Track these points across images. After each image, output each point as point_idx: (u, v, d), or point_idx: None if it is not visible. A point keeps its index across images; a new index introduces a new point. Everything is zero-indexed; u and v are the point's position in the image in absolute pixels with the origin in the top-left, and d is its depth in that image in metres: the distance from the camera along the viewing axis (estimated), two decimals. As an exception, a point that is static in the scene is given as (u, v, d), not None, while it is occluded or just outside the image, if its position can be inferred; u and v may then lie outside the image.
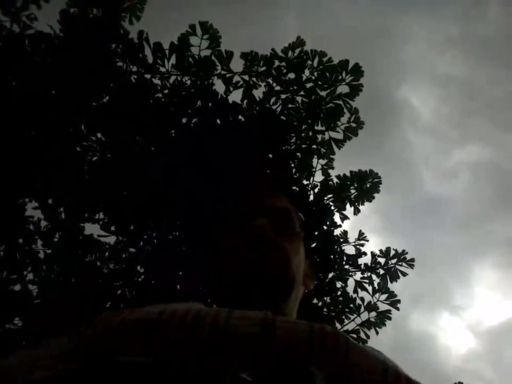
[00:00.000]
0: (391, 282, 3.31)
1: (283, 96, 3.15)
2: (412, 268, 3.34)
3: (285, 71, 3.10)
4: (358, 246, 3.38)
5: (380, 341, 3.20)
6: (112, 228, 3.08)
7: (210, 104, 3.00)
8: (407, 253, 3.34)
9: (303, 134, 3.20)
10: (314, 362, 0.47)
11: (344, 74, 3.07)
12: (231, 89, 3.09)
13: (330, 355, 0.48)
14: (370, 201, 3.37)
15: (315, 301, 3.20)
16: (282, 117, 3.14)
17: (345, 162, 3.67)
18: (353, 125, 3.19)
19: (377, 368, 0.49)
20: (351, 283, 3.32)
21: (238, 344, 0.48)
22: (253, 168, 2.87)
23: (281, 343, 0.48)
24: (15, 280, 2.99)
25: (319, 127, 3.22)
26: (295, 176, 3.22)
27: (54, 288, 2.92)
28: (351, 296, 3.27)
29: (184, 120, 2.99)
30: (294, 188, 3.17)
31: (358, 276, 3.34)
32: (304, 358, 0.48)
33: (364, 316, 3.22)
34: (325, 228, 3.27)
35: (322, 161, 3.29)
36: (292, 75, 3.12)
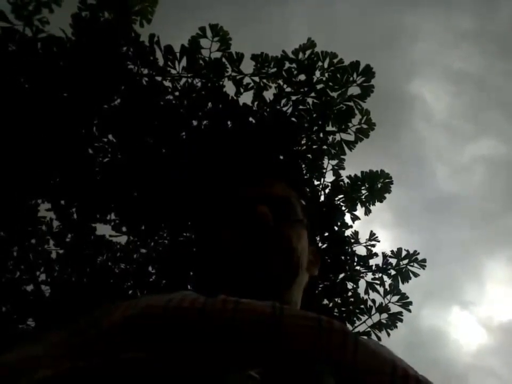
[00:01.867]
0: (403, 283, 3.30)
1: (294, 97, 3.14)
2: (424, 269, 3.32)
3: (295, 72, 3.09)
4: (369, 247, 3.37)
5: (390, 337, 3.19)
6: (124, 229, 3.11)
7: (220, 106, 3.01)
8: (418, 253, 3.32)
9: (313, 136, 3.20)
10: (322, 359, 0.47)
11: (355, 75, 3.05)
12: (242, 91, 3.10)
13: (337, 352, 0.48)
14: (381, 201, 3.35)
15: (326, 301, 3.20)
16: (293, 119, 3.13)
17: (357, 161, 3.66)
18: (365, 126, 3.18)
19: (386, 368, 0.48)
20: (362, 284, 3.31)
21: (244, 339, 0.48)
22: (264, 170, 2.87)
23: (288, 338, 0.48)
24: (27, 280, 3.01)
25: (330, 128, 3.21)
26: (306, 177, 3.22)
27: (66, 289, 2.95)
28: (362, 297, 3.26)
29: (194, 123, 3.00)
30: (305, 188, 3.17)
31: (369, 276, 3.33)
32: (312, 354, 0.47)
33: (375, 317, 3.21)
34: (336, 228, 3.26)
35: (333, 162, 3.29)
36: (302, 76, 3.11)
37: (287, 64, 3.07)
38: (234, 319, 0.49)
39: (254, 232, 0.72)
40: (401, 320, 3.18)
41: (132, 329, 0.49)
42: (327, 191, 3.28)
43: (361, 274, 3.32)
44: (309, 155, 3.20)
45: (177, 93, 3.01)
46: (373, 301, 3.24)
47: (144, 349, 0.46)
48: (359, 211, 3.34)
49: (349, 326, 3.16)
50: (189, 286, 3.00)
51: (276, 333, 0.48)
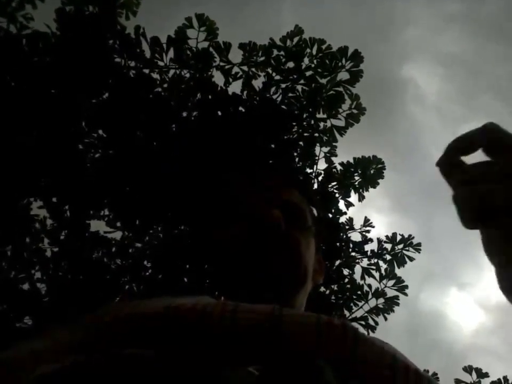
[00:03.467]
0: (398, 267, 3.32)
1: (283, 85, 3.13)
2: (419, 253, 3.33)
3: (284, 60, 3.08)
4: (364, 233, 3.38)
5: (390, 322, 3.21)
6: (118, 224, 3.09)
7: (210, 96, 2.99)
8: (413, 237, 3.33)
9: (304, 123, 3.19)
10: (322, 355, 0.47)
11: (344, 61, 3.04)
12: (231, 80, 3.08)
13: (337, 348, 0.48)
14: (374, 187, 3.36)
15: (322, 289, 3.21)
16: (283, 106, 3.12)
17: (350, 147, 3.66)
18: (355, 111, 3.18)
19: (386, 362, 0.48)
20: (358, 270, 3.33)
21: (244, 339, 0.48)
22: (256, 160, 2.86)
23: (288, 336, 0.48)
24: (23, 279, 3.00)
25: (320, 115, 3.21)
26: (298, 165, 3.22)
27: (63, 286, 2.94)
28: (359, 283, 3.27)
29: (184, 114, 2.99)
30: (297, 177, 3.16)
31: (365, 262, 3.35)
32: (312, 351, 0.47)
33: (372, 302, 3.22)
34: (330, 215, 3.27)
35: (325, 149, 3.29)
36: (291, 64, 3.10)
37: (275, 52, 3.06)
38: (233, 318, 0.50)
39: (264, 234, 0.72)
40: (397, 304, 3.20)
41: (133, 327, 0.49)
42: (320, 178, 3.28)
43: (357, 260, 3.33)
44: (301, 143, 3.20)
45: (165, 85, 2.99)
46: (369, 286, 3.26)
47: (144, 347, 0.46)
48: (353, 197, 3.35)
49: (347, 312, 3.18)
50: (185, 279, 3.01)
51: (275, 332, 0.49)
